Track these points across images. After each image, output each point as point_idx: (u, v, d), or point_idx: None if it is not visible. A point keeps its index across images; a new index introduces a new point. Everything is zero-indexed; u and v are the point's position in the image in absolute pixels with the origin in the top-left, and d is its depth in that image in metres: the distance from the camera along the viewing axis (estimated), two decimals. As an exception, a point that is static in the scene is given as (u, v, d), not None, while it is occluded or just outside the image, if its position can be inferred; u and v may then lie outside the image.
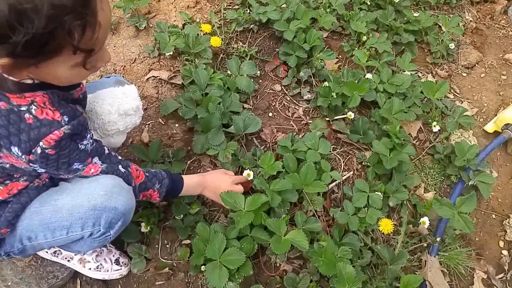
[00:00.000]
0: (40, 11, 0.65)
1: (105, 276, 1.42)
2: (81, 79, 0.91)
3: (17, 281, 1.37)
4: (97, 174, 1.06)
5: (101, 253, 1.41)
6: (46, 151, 0.87)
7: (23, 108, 0.84)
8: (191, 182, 1.37)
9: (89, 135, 0.99)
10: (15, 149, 0.85)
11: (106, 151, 1.09)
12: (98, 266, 1.40)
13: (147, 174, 1.22)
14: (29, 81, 0.85)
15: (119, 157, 1.15)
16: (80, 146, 0.97)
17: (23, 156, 0.86)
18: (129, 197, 1.09)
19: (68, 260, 1.38)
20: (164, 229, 1.54)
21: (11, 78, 0.81)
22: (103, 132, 1.22)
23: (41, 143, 0.85)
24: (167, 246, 1.53)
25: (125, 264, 1.45)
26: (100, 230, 1.06)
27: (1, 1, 0.63)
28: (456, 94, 2.13)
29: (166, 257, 1.51)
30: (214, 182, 1.43)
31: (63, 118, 0.88)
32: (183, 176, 1.36)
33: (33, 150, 0.86)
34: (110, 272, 1.41)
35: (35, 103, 0.85)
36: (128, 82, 1.39)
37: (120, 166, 1.12)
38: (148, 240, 1.53)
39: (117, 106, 1.18)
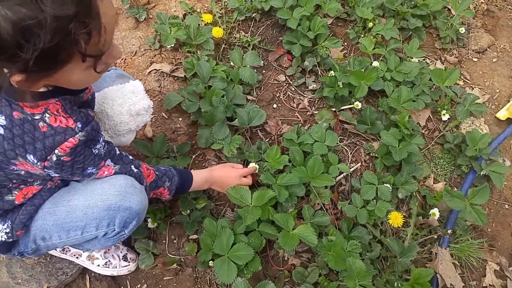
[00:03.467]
0: (44, 25, 0.66)
1: (113, 272, 1.48)
2: (94, 81, 0.94)
3: (27, 278, 1.44)
4: (111, 175, 1.11)
5: (109, 250, 1.48)
6: (62, 158, 0.92)
7: (37, 117, 0.88)
8: (199, 178, 1.44)
9: (101, 139, 1.04)
10: (30, 157, 0.90)
11: (118, 152, 1.14)
12: (106, 262, 1.47)
13: (157, 172, 1.28)
14: (43, 89, 0.88)
15: (130, 157, 1.21)
16: (94, 151, 1.01)
17: (38, 163, 0.91)
18: (142, 196, 1.15)
19: (77, 257, 1.45)
20: (171, 225, 1.60)
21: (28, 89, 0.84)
22: (114, 132, 1.27)
23: (56, 151, 0.90)
24: (175, 241, 1.59)
25: (133, 260, 1.52)
26: (114, 230, 1.11)
27: (4, 20, 0.64)
28: (466, 80, 2.16)
29: (173, 253, 1.57)
30: (222, 178, 1.51)
31: (76, 124, 0.92)
32: (192, 171, 1.43)
33: (48, 157, 0.90)
34: (119, 268, 1.48)
35: (48, 111, 0.89)
36: (130, 76, 1.44)
37: (132, 166, 1.17)
38: (155, 236, 1.59)
39: (128, 106, 1.23)
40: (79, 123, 0.93)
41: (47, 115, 0.89)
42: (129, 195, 1.10)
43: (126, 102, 1.24)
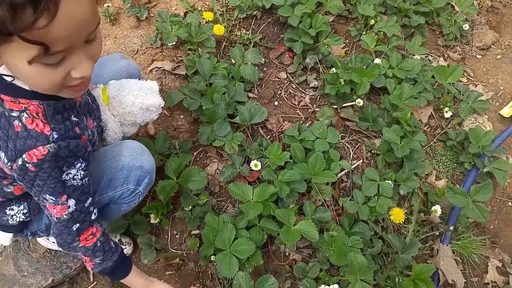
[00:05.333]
0: None
1: None
2: (50, 85, 0.81)
3: (33, 271, 1.52)
4: (54, 216, 1.00)
5: None
6: (27, 165, 0.86)
7: (14, 114, 0.85)
8: (133, 281, 1.26)
9: (80, 165, 0.95)
10: (2, 154, 0.88)
11: (88, 205, 1.04)
12: None
13: (98, 244, 1.12)
14: (26, 87, 0.85)
15: (93, 217, 1.08)
16: (63, 177, 0.92)
17: (8, 164, 0.88)
18: (150, 158, 1.25)
19: None
20: (173, 220, 1.67)
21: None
22: (119, 120, 1.33)
23: (24, 156, 0.85)
24: (177, 236, 1.65)
25: (128, 242, 1.60)
26: (129, 189, 1.20)
27: None
28: (470, 77, 2.21)
29: (176, 248, 1.63)
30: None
31: (52, 133, 0.87)
32: (132, 272, 1.24)
33: (16, 160, 0.86)
34: None
35: (27, 111, 0.85)
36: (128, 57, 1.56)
37: (84, 223, 1.06)
38: (157, 231, 1.66)
39: (141, 99, 1.30)
40: (55, 133, 0.87)
41: (25, 114, 0.85)
42: (139, 156, 1.21)
43: (140, 95, 1.31)
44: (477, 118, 2.05)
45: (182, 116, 1.88)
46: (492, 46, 2.34)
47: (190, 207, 1.62)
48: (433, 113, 2.04)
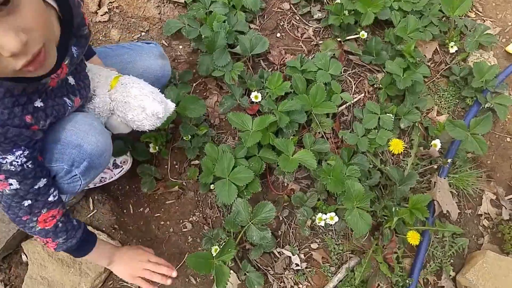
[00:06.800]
0: None
1: (112, 180, 1.57)
2: None
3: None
4: None
5: None
6: None
7: None
8: (97, 254, 1.25)
9: (20, 153, 0.91)
10: None
11: (38, 187, 1.00)
12: (100, 180, 1.54)
13: (59, 224, 1.10)
14: None
15: (51, 199, 1.04)
16: None
17: None
18: (100, 139, 1.06)
19: None
20: (172, 150, 1.67)
21: None
22: (121, 111, 1.24)
23: None
24: (176, 166, 1.67)
25: (124, 162, 1.58)
26: (63, 168, 1.03)
27: None
28: (478, 12, 2.14)
29: (175, 177, 1.65)
30: (125, 260, 1.30)
31: None
32: (97, 243, 1.23)
33: None
34: (115, 176, 1.56)
35: None
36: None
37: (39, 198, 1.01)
38: (157, 162, 1.67)
39: (151, 101, 1.19)
40: None
41: None
42: (82, 133, 1.03)
43: (154, 99, 1.20)
44: (482, 53, 2.01)
45: (181, 47, 1.83)
46: (504, -20, 2.25)
47: (190, 137, 1.62)
48: (438, 48, 1.99)
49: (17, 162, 0.91)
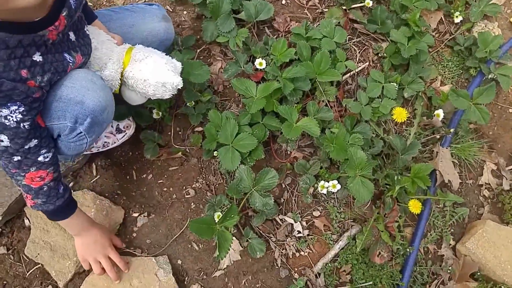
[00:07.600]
0: None
1: (115, 145, 1.56)
2: None
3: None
4: None
5: None
6: None
7: None
8: (74, 223, 1.27)
9: (15, 108, 0.91)
10: None
11: (30, 146, 1.01)
12: (104, 144, 1.53)
13: (44, 188, 1.12)
14: None
15: (40, 160, 1.06)
16: None
17: None
18: (101, 94, 1.06)
19: None
20: (176, 117, 1.66)
21: None
22: (132, 85, 1.26)
23: None
24: (180, 133, 1.66)
25: (127, 127, 1.56)
26: (67, 126, 1.04)
27: None
28: (485, -18, 2.11)
29: (179, 144, 1.65)
30: (88, 239, 1.32)
31: None
32: (74, 215, 1.24)
33: None
34: (118, 141, 1.55)
35: None
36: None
37: (34, 158, 1.04)
38: (160, 128, 1.66)
39: (161, 73, 1.22)
40: None
41: None
42: (83, 89, 1.03)
43: (163, 69, 1.22)
44: (487, 24, 1.99)
45: (185, 12, 1.80)
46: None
47: (193, 103, 1.61)
48: (443, 18, 1.97)
49: (12, 117, 0.92)
